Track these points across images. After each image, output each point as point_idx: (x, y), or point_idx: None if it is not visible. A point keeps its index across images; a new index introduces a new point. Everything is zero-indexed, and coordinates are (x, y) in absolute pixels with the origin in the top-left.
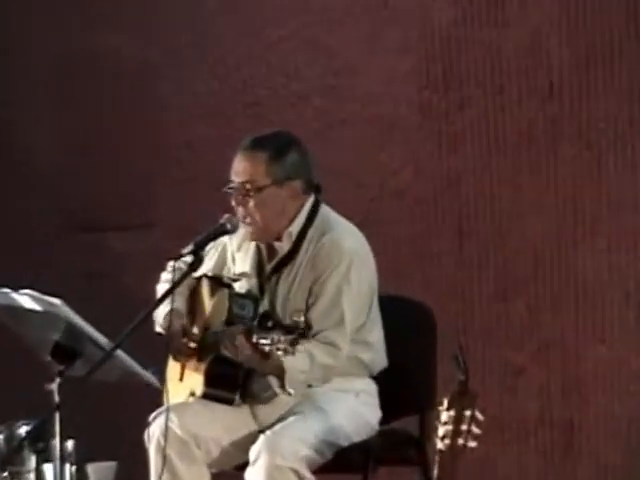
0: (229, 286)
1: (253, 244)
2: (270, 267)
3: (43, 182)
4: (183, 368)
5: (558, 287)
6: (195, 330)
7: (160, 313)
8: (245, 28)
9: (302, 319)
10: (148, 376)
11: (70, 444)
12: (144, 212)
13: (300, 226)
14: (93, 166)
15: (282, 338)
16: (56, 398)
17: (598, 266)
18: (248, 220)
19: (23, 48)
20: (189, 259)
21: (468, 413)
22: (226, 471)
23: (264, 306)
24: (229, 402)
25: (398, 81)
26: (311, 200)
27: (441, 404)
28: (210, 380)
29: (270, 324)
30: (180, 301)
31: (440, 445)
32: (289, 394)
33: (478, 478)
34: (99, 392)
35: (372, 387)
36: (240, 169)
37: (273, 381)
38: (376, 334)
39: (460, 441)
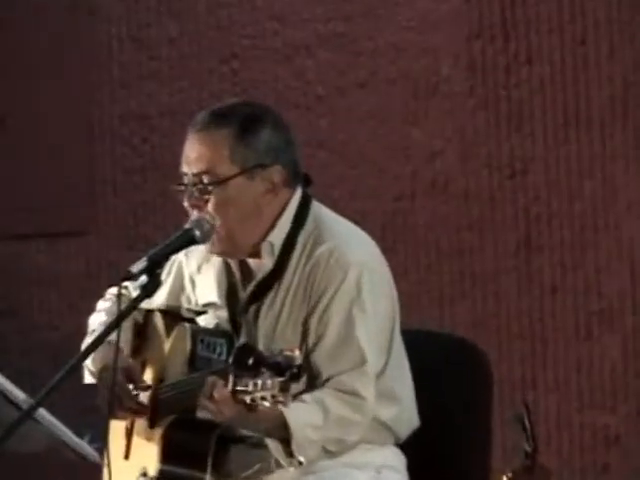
0: (191, 322)
1: (219, 262)
2: (246, 294)
3: None
4: (129, 438)
5: None
6: (145, 382)
7: (93, 355)
8: None
9: (297, 353)
10: (83, 446)
11: None
12: (77, 215)
13: (285, 233)
14: (4, 155)
15: (269, 382)
16: None
17: None
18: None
19: None
20: (140, 280)
21: None
22: None
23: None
24: None
25: (438, 26)
26: (297, 195)
27: None
28: (168, 453)
29: (251, 362)
30: (122, 337)
31: None
32: (300, 464)
33: None
34: (15, 468)
35: (399, 460)
36: (194, 155)
37: (274, 446)
38: (402, 382)
39: None
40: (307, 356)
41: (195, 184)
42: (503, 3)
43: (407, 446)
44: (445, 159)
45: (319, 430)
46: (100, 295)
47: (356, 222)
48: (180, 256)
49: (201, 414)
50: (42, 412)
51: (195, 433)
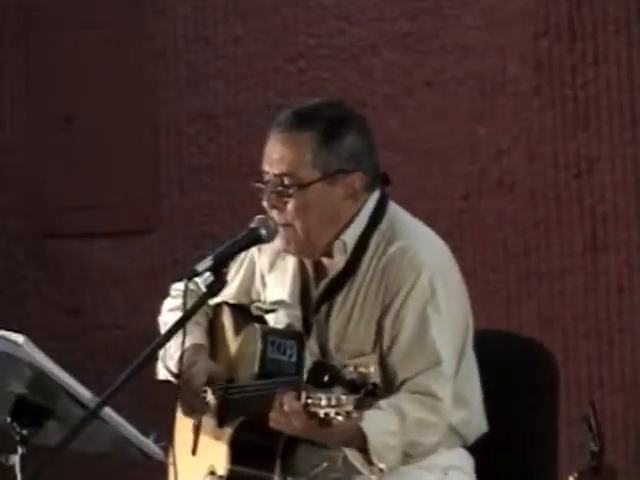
0: (260, 319)
1: (293, 260)
2: (318, 293)
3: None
4: (197, 435)
5: None
6: (215, 381)
7: (171, 351)
8: None
9: (371, 370)
10: (148, 445)
11: None
12: (142, 213)
13: (358, 233)
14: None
15: (344, 398)
16: (18, 476)
17: None
18: (286, 228)
19: None
20: (206, 279)
21: None
22: None
23: (311, 349)
24: None
25: (505, 25)
26: (375, 197)
27: None
28: (237, 454)
29: (326, 379)
30: (198, 334)
31: None
32: (380, 471)
33: None
34: (79, 467)
35: (467, 462)
36: (276, 156)
37: (353, 456)
38: (472, 385)
39: None
40: (382, 357)
41: (276, 185)
42: (570, 2)
43: (473, 446)
44: (511, 158)
45: (397, 436)
46: (165, 294)
47: (423, 221)
48: (253, 250)
49: (273, 425)
50: (108, 411)
51: (264, 434)
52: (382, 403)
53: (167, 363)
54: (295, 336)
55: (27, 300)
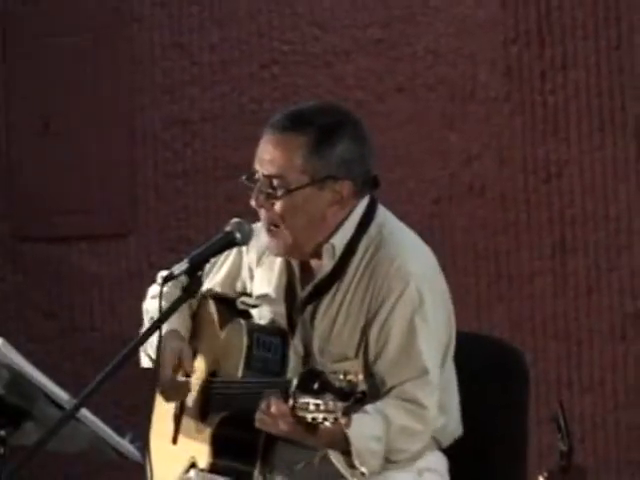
0: (245, 314)
1: (280, 258)
2: (305, 293)
3: None
4: (178, 424)
5: None
6: (197, 372)
7: (151, 340)
8: None
9: (360, 378)
10: (124, 445)
11: None
12: (119, 217)
13: (347, 238)
14: (48, 158)
15: (331, 404)
16: None
17: None
18: (272, 229)
19: None
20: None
21: None
22: None
23: (296, 348)
24: (245, 478)
25: (475, 32)
26: (365, 201)
27: None
28: (219, 448)
29: (316, 386)
30: (179, 321)
31: None
32: (362, 475)
33: None
34: (56, 467)
35: (441, 463)
36: (267, 157)
37: (336, 458)
38: (450, 393)
39: None
40: (368, 365)
41: (264, 186)
42: (539, 9)
43: (450, 451)
44: (482, 163)
45: (381, 441)
46: (142, 297)
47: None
48: None
49: (258, 425)
50: (85, 412)
51: (246, 430)
52: (368, 407)
53: (148, 351)
54: (279, 333)
55: (5, 303)
